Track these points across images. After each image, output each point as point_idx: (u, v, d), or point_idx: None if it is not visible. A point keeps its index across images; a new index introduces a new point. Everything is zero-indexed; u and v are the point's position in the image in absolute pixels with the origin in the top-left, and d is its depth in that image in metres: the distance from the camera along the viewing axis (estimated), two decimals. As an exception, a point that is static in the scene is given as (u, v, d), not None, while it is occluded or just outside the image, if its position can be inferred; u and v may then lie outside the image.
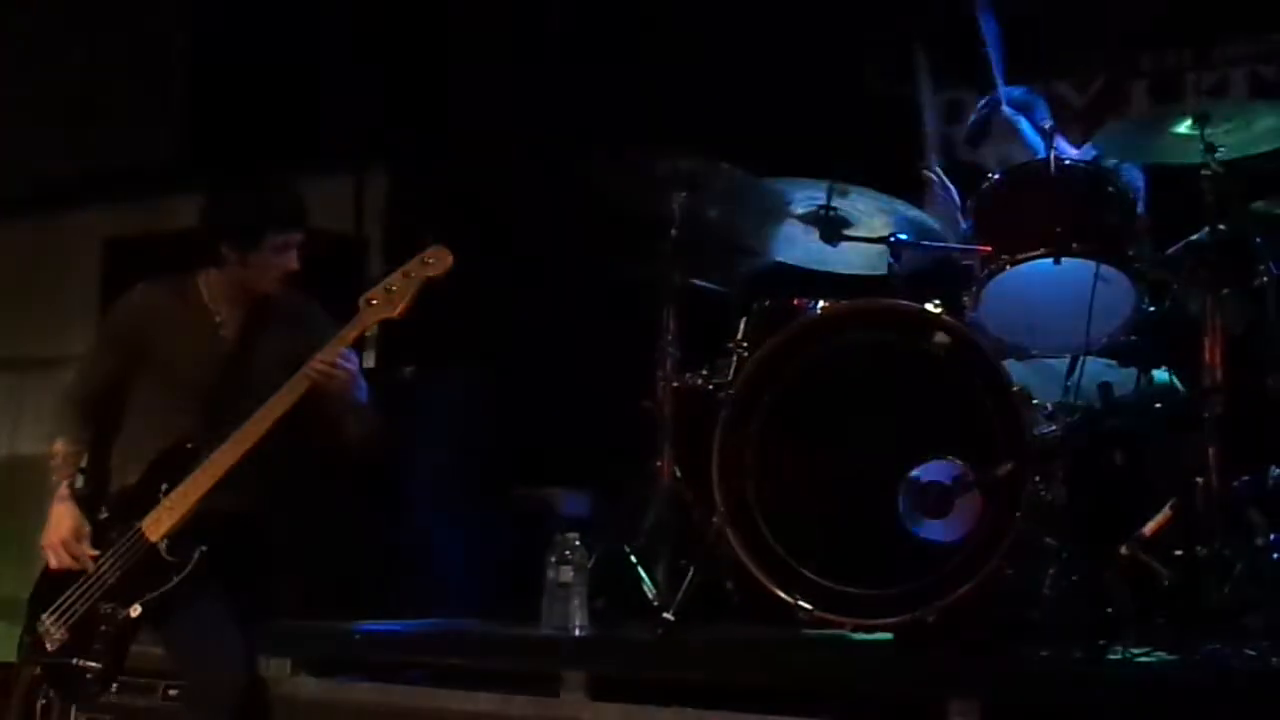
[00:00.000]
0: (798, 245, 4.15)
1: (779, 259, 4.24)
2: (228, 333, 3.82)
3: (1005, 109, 4.24)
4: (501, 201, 5.30)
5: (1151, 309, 3.72)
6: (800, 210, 4.02)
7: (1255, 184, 3.67)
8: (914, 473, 3.46)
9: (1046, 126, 4.07)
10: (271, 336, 3.80)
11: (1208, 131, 3.57)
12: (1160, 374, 3.81)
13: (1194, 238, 3.64)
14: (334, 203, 6.06)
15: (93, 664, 3.55)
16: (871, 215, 3.99)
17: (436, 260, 3.59)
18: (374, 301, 3.58)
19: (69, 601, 3.61)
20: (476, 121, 5.66)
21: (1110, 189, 3.84)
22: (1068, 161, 3.86)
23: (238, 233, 3.74)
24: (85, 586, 3.61)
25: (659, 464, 3.99)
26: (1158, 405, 3.76)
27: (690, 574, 3.82)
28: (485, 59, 5.66)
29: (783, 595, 3.50)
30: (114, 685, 3.66)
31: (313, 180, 5.44)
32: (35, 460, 4.55)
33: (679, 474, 3.97)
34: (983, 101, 4.33)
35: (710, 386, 4.05)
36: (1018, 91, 4.28)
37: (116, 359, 3.88)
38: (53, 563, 3.63)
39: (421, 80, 5.87)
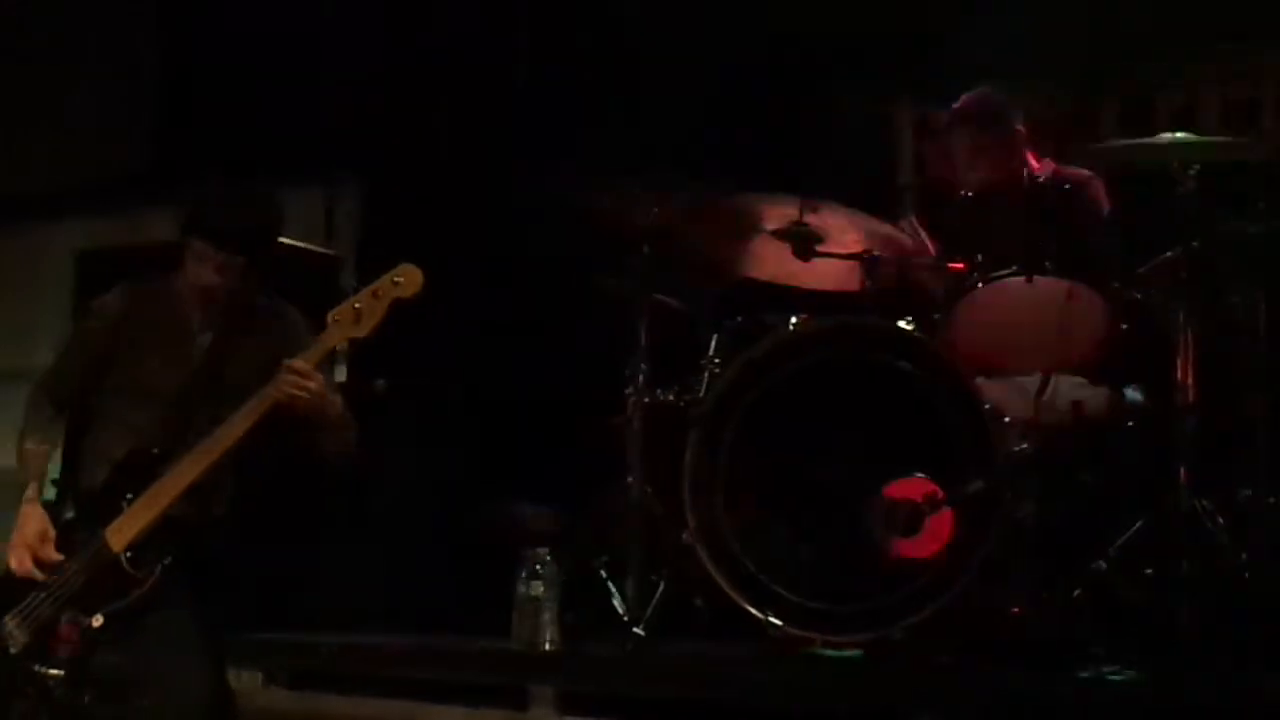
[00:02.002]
0: (770, 261, 4.14)
1: (751, 275, 4.23)
2: (201, 338, 3.78)
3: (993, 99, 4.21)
4: (474, 217, 5.29)
5: (1124, 326, 3.71)
6: (772, 226, 4.01)
7: (1226, 201, 3.68)
8: (885, 490, 3.47)
9: (1019, 144, 4.10)
10: (248, 343, 3.75)
11: (1180, 144, 3.58)
12: (1132, 392, 3.80)
13: (1166, 255, 3.64)
14: (306, 217, 6.05)
15: (54, 671, 3.51)
16: (844, 231, 3.99)
17: (407, 280, 3.52)
18: (338, 320, 3.52)
19: (32, 605, 3.55)
20: (449, 136, 5.66)
21: (1082, 205, 3.87)
22: (1040, 179, 3.86)
23: (180, 234, 3.71)
24: (49, 591, 3.55)
25: (629, 480, 3.96)
26: (1129, 424, 3.77)
27: (660, 589, 3.83)
28: (458, 72, 5.66)
29: (753, 611, 3.50)
30: (84, 695, 3.64)
31: (284, 194, 5.46)
32: (5, 473, 4.52)
33: (649, 490, 3.95)
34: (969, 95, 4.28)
35: (681, 403, 4.05)
36: (999, 96, 4.25)
37: (88, 358, 3.84)
38: (14, 565, 3.58)
39: (394, 93, 5.87)
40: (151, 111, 6.77)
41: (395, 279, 3.51)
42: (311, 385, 3.53)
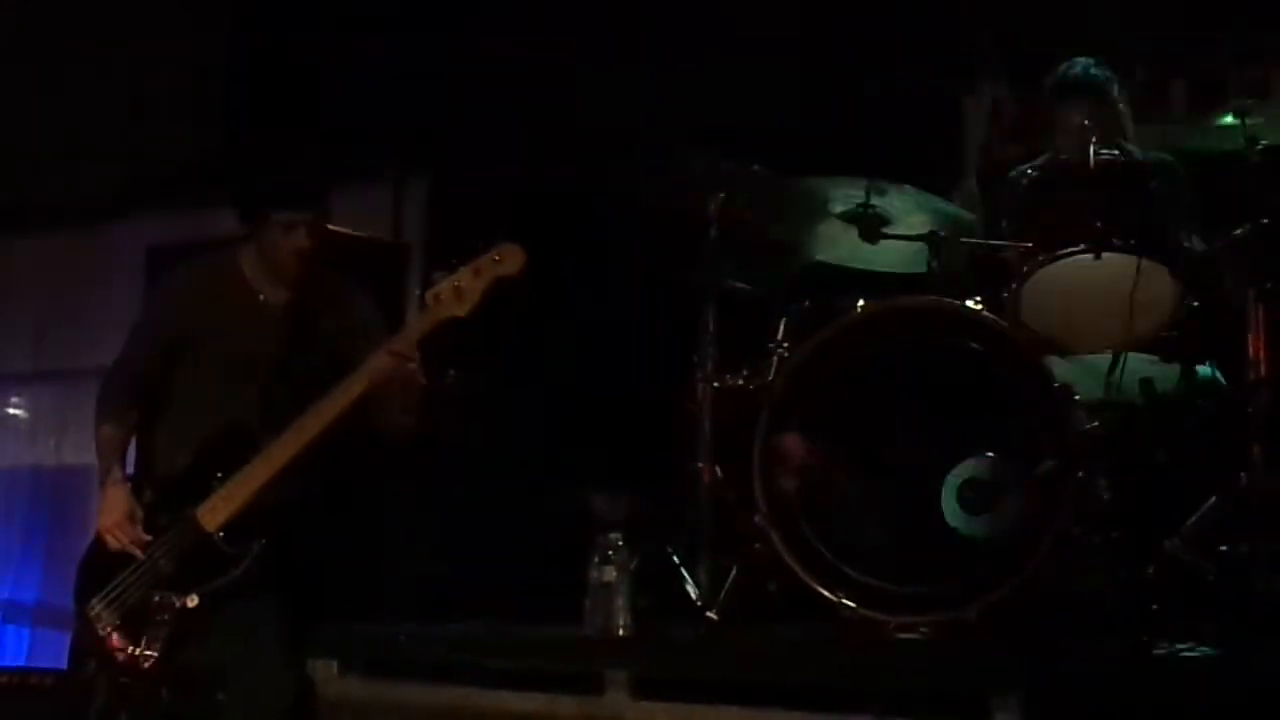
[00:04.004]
0: (836, 244, 4.17)
1: (818, 258, 4.25)
2: (272, 309, 3.84)
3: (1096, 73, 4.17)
4: (539, 209, 5.31)
5: (1194, 303, 3.70)
6: (839, 209, 4.04)
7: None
8: (957, 470, 3.48)
9: (1123, 120, 4.06)
10: (317, 315, 3.83)
11: (1249, 122, 3.56)
12: (1204, 369, 3.78)
13: (1237, 231, 3.62)
14: (374, 209, 6.11)
15: (148, 652, 3.56)
16: (910, 213, 4.01)
17: (507, 258, 3.56)
18: (440, 298, 3.55)
19: (120, 587, 3.62)
20: (515, 125, 5.68)
21: (1151, 184, 3.85)
22: (1106, 156, 3.84)
23: (246, 209, 3.80)
24: (138, 573, 3.62)
25: (700, 465, 4.00)
26: (1201, 401, 3.75)
27: (732, 573, 3.86)
28: (521, 62, 5.68)
29: (825, 593, 3.53)
30: (167, 681, 3.67)
31: (352, 187, 5.52)
32: (85, 470, 4.59)
33: (720, 474, 3.98)
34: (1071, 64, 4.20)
35: (751, 387, 4.07)
36: (1102, 69, 4.18)
37: (161, 340, 3.89)
38: (111, 544, 3.64)
39: (458, 88, 5.90)
40: (220, 110, 6.83)
41: (495, 257, 3.55)
42: (410, 366, 3.57)
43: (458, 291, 3.54)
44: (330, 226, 3.97)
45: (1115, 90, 4.14)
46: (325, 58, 6.23)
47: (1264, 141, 3.56)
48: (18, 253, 8.02)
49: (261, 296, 3.85)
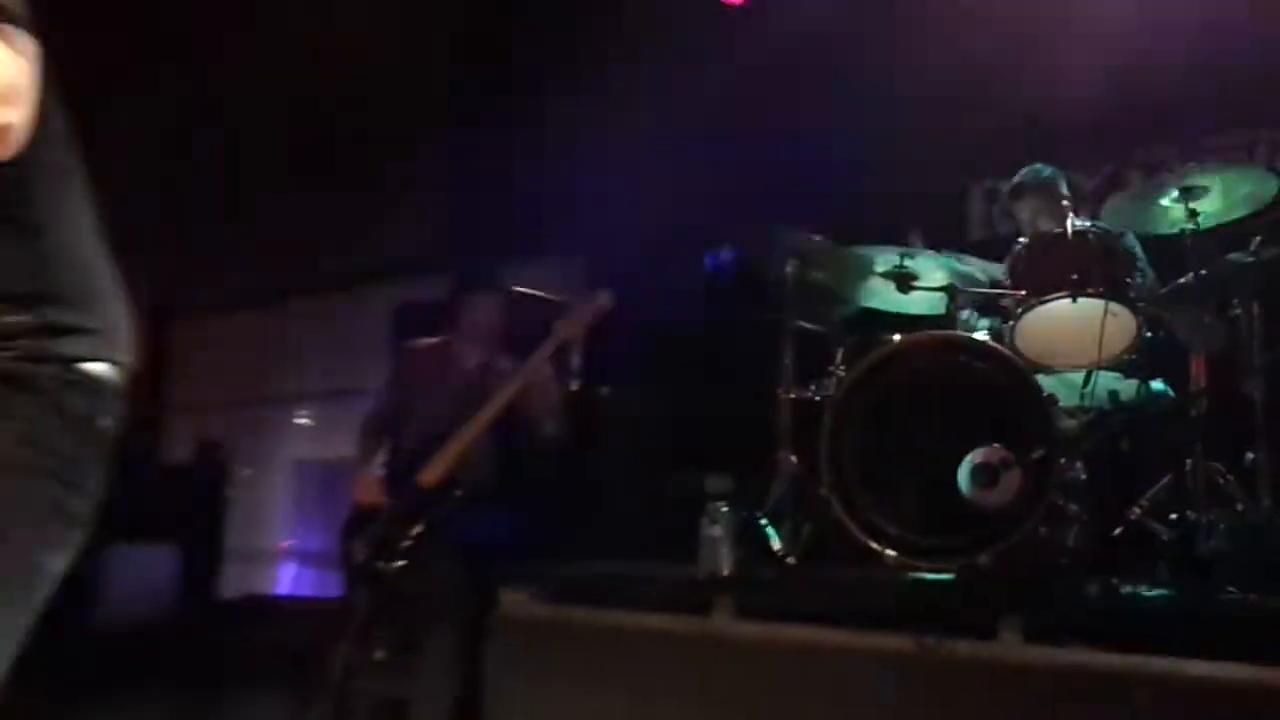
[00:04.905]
0: (878, 294, 4.11)
1: (864, 305, 4.20)
2: (468, 365, 4.04)
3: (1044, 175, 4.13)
4: (669, 274, 5.29)
5: (1149, 334, 3.60)
6: (880, 269, 4.00)
7: (1227, 240, 3.55)
8: (970, 456, 3.42)
9: (1064, 204, 3.99)
10: (495, 365, 4.02)
11: (1190, 204, 3.47)
12: (1156, 384, 3.67)
13: (1181, 280, 3.53)
14: (547, 279, 6.16)
15: (393, 565, 3.70)
16: (933, 270, 3.96)
17: (601, 301, 3.82)
18: (561, 329, 3.81)
19: (370, 532, 3.78)
20: (648, 218, 5.68)
21: (1114, 247, 3.76)
22: (1080, 227, 3.76)
23: (451, 299, 4.12)
24: (381, 521, 3.77)
25: (781, 453, 3.98)
26: (1154, 407, 3.64)
27: (805, 531, 3.83)
28: (647, 181, 5.70)
29: (873, 546, 3.49)
30: (403, 597, 3.77)
31: (533, 263, 5.63)
32: (347, 461, 4.71)
33: (796, 460, 3.95)
34: (1025, 171, 4.20)
35: (817, 398, 4.03)
36: (1048, 170, 4.17)
37: (399, 392, 4.16)
38: (363, 498, 3.83)
39: (607, 194, 5.93)
40: (444, 211, 6.96)
41: (596, 301, 3.84)
42: (541, 375, 3.74)
43: (571, 324, 3.79)
44: (517, 289, 4.17)
45: (1060, 185, 4.09)
46: (515, 187, 6.28)
47: (1202, 215, 3.47)
48: (305, 311, 8.29)
49: (465, 355, 4.09)
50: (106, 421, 1.58)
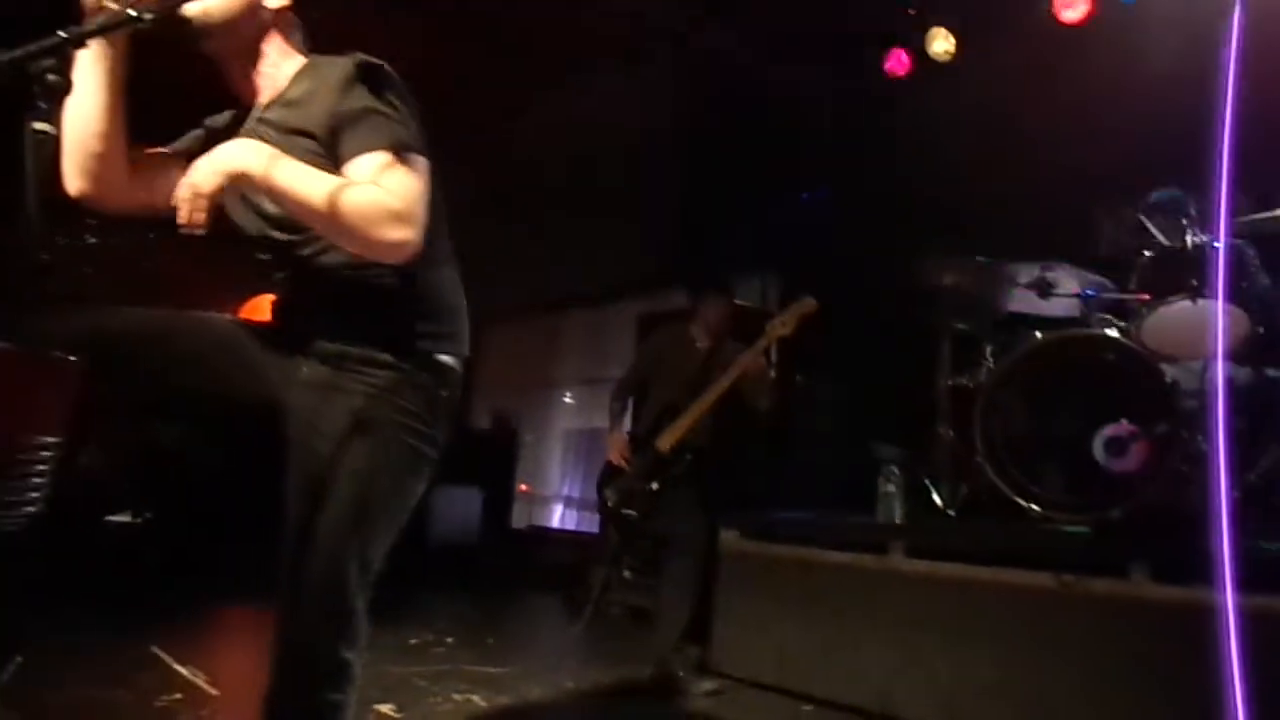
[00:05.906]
0: (1023, 300, 3.96)
1: (1010, 310, 4.05)
2: (700, 350, 3.98)
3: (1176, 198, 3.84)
4: (849, 284, 5.13)
5: (1260, 329, 3.34)
6: (1023, 280, 3.86)
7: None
8: (1103, 430, 3.29)
9: (1184, 222, 3.72)
10: (723, 351, 3.92)
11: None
12: (1270, 371, 3.40)
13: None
14: (751, 292, 6.11)
15: (632, 513, 3.74)
16: (1069, 279, 3.79)
17: (808, 304, 3.68)
18: (775, 328, 3.68)
19: (620, 483, 3.80)
20: (830, 243, 5.55)
21: (1231, 257, 3.48)
22: (1200, 240, 3.51)
23: (690, 296, 4.06)
24: (628, 474, 3.78)
25: (941, 429, 3.92)
26: (1265, 389, 3.38)
27: (962, 490, 3.76)
28: (828, 211, 5.56)
29: (1020, 502, 3.41)
30: (646, 533, 3.77)
31: (743, 279, 5.61)
32: (601, 430, 4.81)
33: (954, 434, 3.88)
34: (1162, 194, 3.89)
35: (971, 385, 3.94)
36: (1177, 193, 3.86)
37: (641, 369, 4.10)
38: (613, 458, 3.85)
39: (791, 227, 5.78)
40: (675, 235, 6.89)
41: (803, 304, 3.69)
42: (761, 363, 3.71)
43: (784, 323, 3.66)
44: (735, 301, 4.18)
45: (1184, 205, 3.76)
46: (739, 214, 6.22)
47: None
48: (574, 318, 8.57)
49: (698, 344, 4.01)
50: (449, 394, 1.79)
